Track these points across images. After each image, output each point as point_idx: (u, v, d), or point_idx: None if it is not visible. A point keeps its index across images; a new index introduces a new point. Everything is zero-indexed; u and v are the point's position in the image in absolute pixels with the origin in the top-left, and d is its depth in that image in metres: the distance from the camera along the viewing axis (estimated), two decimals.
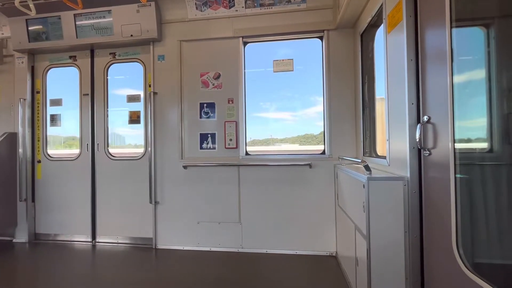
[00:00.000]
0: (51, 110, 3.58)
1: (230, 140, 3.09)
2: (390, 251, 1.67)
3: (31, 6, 2.45)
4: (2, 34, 3.52)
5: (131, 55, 3.37)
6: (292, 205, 2.97)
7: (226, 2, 3.03)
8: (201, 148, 3.16)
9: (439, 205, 1.44)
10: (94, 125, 3.43)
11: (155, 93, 3.22)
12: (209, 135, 3.15)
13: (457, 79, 1.32)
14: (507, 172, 1.21)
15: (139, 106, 3.36)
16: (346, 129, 2.91)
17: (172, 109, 3.19)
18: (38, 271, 2.70)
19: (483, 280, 1.14)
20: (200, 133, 3.17)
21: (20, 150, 3.39)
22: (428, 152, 1.54)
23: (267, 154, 3.15)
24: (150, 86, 3.24)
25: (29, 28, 3.32)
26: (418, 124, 1.55)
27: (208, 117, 3.15)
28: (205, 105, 3.16)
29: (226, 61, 3.12)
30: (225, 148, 3.11)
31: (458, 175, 1.31)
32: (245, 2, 3.00)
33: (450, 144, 1.33)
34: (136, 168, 3.30)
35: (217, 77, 3.14)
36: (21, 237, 3.46)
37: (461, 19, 1.32)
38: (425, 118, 1.53)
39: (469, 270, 1.22)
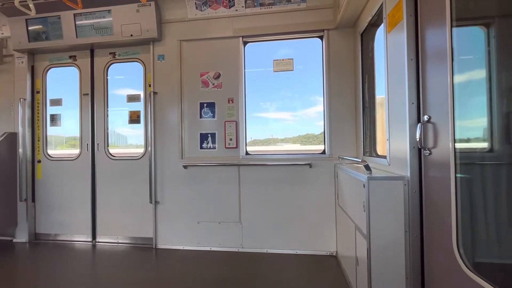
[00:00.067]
0: (51, 110, 3.58)
1: (230, 139, 3.09)
2: (391, 251, 1.67)
3: (31, 6, 2.45)
4: (2, 34, 3.51)
5: (131, 55, 3.36)
6: (292, 205, 2.97)
7: (226, 2, 3.03)
8: (201, 148, 3.16)
9: (439, 204, 1.44)
10: (94, 125, 3.43)
11: (155, 93, 3.22)
12: (209, 135, 3.15)
13: (457, 78, 1.32)
14: (507, 172, 1.21)
15: (139, 106, 3.36)
16: (346, 129, 2.91)
17: (172, 109, 3.19)
18: (38, 271, 2.70)
19: (484, 280, 1.13)
20: (200, 133, 3.17)
21: (20, 150, 3.39)
22: (428, 151, 1.54)
23: (267, 154, 3.15)
24: (150, 86, 3.24)
25: (29, 28, 3.32)
26: (419, 124, 1.55)
27: (208, 117, 3.15)
28: (205, 104, 3.16)
29: (226, 60, 3.12)
30: (225, 148, 3.11)
31: (458, 175, 1.30)
32: (245, 1, 3.00)
33: (450, 144, 1.33)
34: (136, 168, 3.30)
35: (217, 76, 3.14)
36: (21, 237, 3.46)
37: (461, 19, 1.31)
38: (426, 117, 1.53)
39: (469, 269, 1.22)
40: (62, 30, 3.26)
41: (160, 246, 3.18)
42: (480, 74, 1.29)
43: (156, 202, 3.20)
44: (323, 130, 3.02)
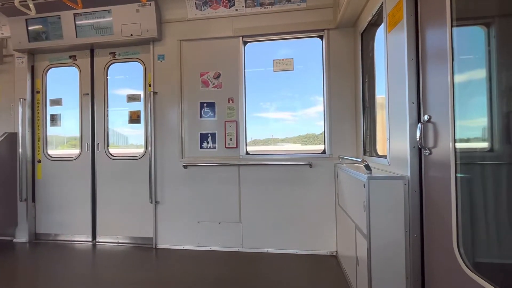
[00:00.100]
0: (51, 110, 3.58)
1: (230, 139, 3.09)
2: (391, 251, 1.67)
3: (31, 6, 2.45)
4: (2, 34, 3.51)
5: (131, 54, 3.36)
6: (293, 205, 2.97)
7: (226, 2, 3.03)
8: (201, 147, 3.16)
9: (439, 204, 1.44)
10: (94, 125, 3.43)
11: (155, 93, 3.22)
12: (209, 135, 3.15)
13: (457, 78, 1.32)
14: (508, 172, 1.21)
15: (139, 106, 3.36)
16: (346, 129, 2.91)
17: (172, 109, 3.19)
18: (38, 271, 2.70)
19: (484, 280, 1.13)
20: (200, 133, 3.16)
21: (20, 150, 3.39)
22: (428, 151, 1.53)
23: (267, 153, 3.15)
24: (150, 85, 3.24)
25: (29, 28, 3.31)
26: (419, 124, 1.55)
27: (208, 117, 3.15)
28: (205, 104, 3.16)
29: (226, 60, 3.12)
30: (225, 147, 3.11)
31: (458, 175, 1.30)
32: (245, 1, 3.00)
33: (450, 144, 1.33)
34: (136, 168, 3.30)
35: (217, 76, 3.14)
36: (21, 237, 3.46)
37: (461, 18, 1.31)
38: (426, 117, 1.52)
39: (469, 269, 1.22)
40: (62, 30, 3.26)
41: (160, 246, 3.18)
42: (480, 73, 1.29)
43: (156, 202, 3.20)
44: (323, 130, 3.02)
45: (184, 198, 3.15)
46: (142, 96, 3.34)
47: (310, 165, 2.93)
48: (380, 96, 2.42)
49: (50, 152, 3.56)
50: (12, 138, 3.42)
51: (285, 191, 2.99)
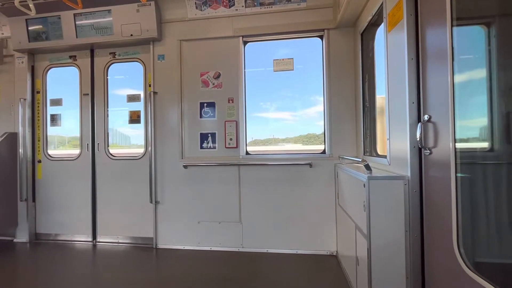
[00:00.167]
0: (51, 110, 3.58)
1: (230, 139, 3.09)
2: (391, 251, 1.67)
3: (31, 6, 2.45)
4: (2, 34, 3.52)
5: (131, 54, 3.36)
6: (293, 205, 2.97)
7: (226, 2, 3.03)
8: (201, 147, 3.16)
9: (439, 204, 1.44)
10: (95, 125, 3.43)
11: (155, 93, 3.22)
12: (209, 135, 3.15)
13: (457, 78, 1.32)
14: (508, 171, 1.21)
15: (139, 106, 3.36)
16: (346, 129, 2.91)
17: (172, 109, 3.19)
18: (38, 271, 2.70)
19: (484, 279, 1.13)
20: (200, 133, 3.17)
21: (20, 150, 3.40)
22: (428, 151, 1.53)
23: (267, 153, 3.15)
24: (150, 85, 3.24)
25: (29, 28, 3.32)
26: (419, 123, 1.55)
27: (208, 117, 3.15)
28: (205, 104, 3.16)
29: (226, 60, 3.12)
30: (225, 147, 3.11)
31: (458, 174, 1.30)
32: (245, 1, 3.00)
33: (450, 143, 1.33)
34: (137, 168, 3.30)
35: (217, 76, 3.14)
36: (21, 237, 3.46)
37: (462, 18, 1.31)
38: (426, 117, 1.52)
39: (470, 269, 1.22)
40: (62, 30, 3.26)
41: (160, 246, 3.18)
42: (481, 73, 1.28)
43: (156, 202, 3.20)
44: (323, 130, 3.01)
45: (184, 198, 3.15)
46: (142, 96, 3.34)
47: (310, 165, 2.93)
48: (380, 96, 2.41)
49: (50, 152, 3.56)
50: (12, 138, 3.42)
51: (285, 191, 2.99)
